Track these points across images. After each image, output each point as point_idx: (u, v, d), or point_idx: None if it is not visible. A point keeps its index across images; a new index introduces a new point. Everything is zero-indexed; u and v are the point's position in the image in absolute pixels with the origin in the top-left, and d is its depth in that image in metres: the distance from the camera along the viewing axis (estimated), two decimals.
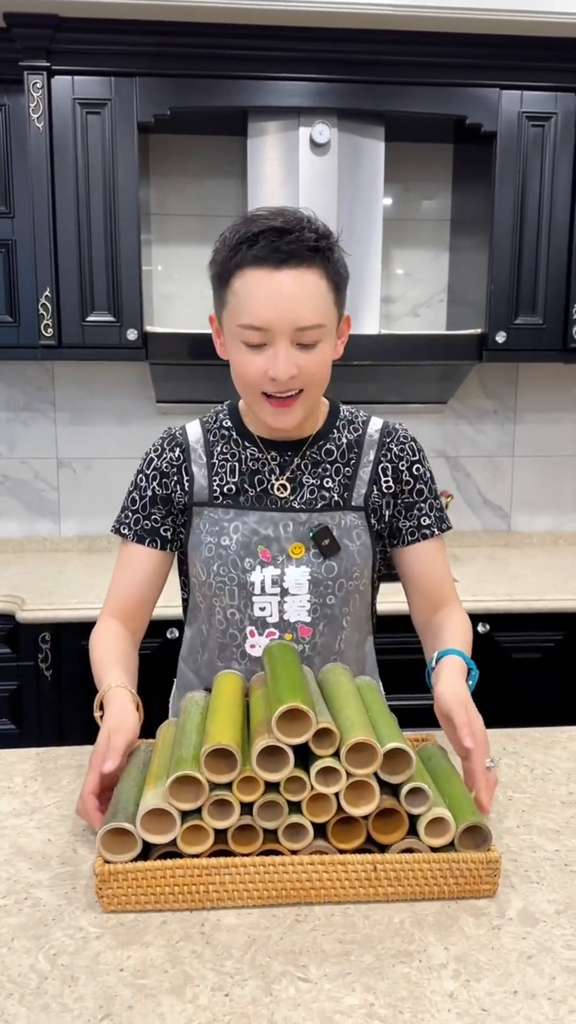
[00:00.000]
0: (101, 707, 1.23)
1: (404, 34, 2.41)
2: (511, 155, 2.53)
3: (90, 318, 2.50)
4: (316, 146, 2.49)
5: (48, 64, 2.37)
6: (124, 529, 1.40)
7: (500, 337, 2.59)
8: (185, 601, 1.50)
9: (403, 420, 2.98)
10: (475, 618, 2.43)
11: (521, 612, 2.45)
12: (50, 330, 2.49)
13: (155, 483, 1.38)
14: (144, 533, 1.39)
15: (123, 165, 2.44)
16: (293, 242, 1.16)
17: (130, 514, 1.40)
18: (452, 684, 1.21)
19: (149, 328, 2.55)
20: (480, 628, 2.44)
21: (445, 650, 1.28)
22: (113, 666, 1.30)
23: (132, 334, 2.51)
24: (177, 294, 2.92)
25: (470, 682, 1.25)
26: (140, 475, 1.40)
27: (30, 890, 1.05)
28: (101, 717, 1.21)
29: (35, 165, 2.41)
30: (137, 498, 1.39)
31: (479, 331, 2.63)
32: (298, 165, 2.49)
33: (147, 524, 1.39)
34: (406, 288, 3.01)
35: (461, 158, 2.88)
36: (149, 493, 1.38)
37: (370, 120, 2.53)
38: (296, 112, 2.47)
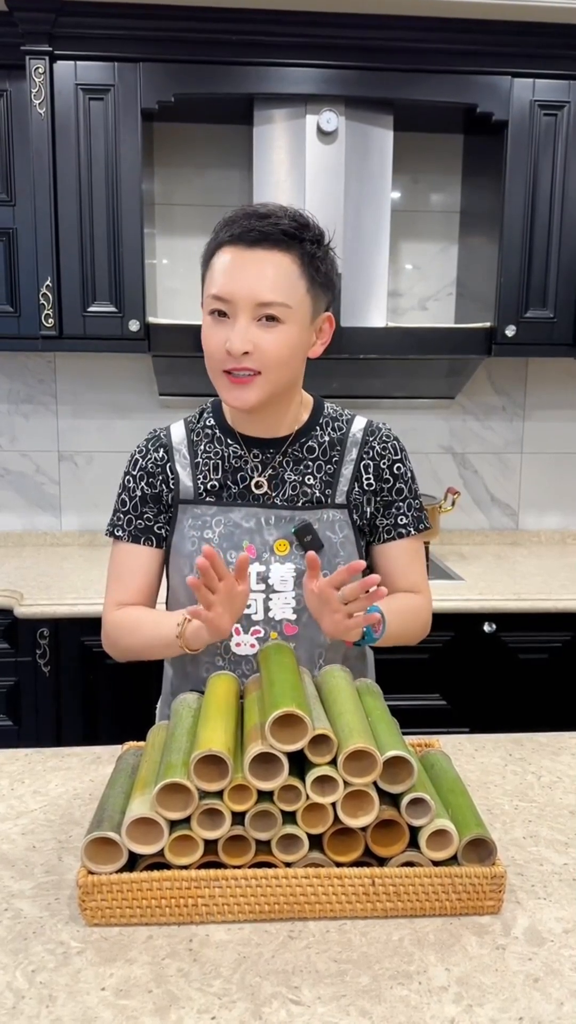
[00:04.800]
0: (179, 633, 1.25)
1: (414, 19, 2.35)
2: (522, 145, 2.47)
3: (91, 308, 2.46)
4: (323, 134, 2.44)
5: (50, 49, 2.32)
6: (118, 531, 1.38)
7: (509, 331, 2.54)
8: (166, 604, 1.45)
9: (410, 416, 2.98)
10: (481, 617, 2.39)
11: (528, 612, 2.40)
12: (51, 320, 2.44)
13: (143, 483, 1.37)
14: (139, 532, 1.37)
15: (126, 152, 2.39)
16: (268, 225, 1.21)
17: (122, 516, 1.38)
18: None
19: (151, 319, 2.50)
20: (486, 628, 2.39)
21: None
22: (160, 615, 1.33)
23: (134, 325, 2.46)
24: (182, 288, 2.87)
25: (377, 636, 1.26)
26: (127, 476, 1.39)
27: (11, 900, 1.01)
28: (188, 621, 1.22)
29: (36, 152, 2.36)
30: (127, 499, 1.38)
31: (488, 325, 2.57)
32: (305, 154, 2.43)
33: (140, 524, 1.37)
34: (414, 281, 2.95)
35: (471, 149, 2.82)
36: (139, 493, 1.37)
37: (378, 108, 2.47)
38: (303, 99, 2.42)
